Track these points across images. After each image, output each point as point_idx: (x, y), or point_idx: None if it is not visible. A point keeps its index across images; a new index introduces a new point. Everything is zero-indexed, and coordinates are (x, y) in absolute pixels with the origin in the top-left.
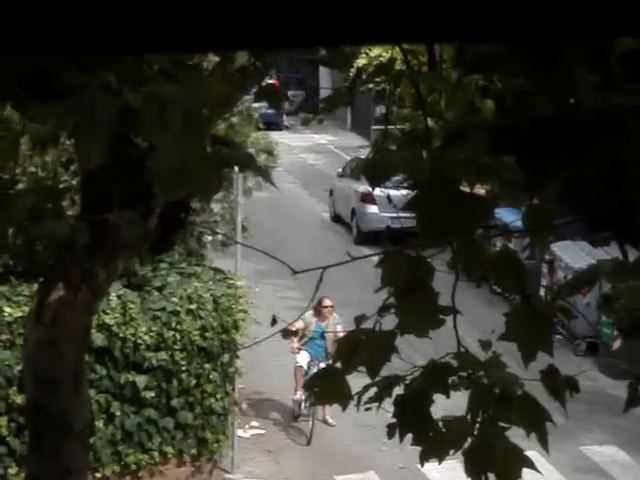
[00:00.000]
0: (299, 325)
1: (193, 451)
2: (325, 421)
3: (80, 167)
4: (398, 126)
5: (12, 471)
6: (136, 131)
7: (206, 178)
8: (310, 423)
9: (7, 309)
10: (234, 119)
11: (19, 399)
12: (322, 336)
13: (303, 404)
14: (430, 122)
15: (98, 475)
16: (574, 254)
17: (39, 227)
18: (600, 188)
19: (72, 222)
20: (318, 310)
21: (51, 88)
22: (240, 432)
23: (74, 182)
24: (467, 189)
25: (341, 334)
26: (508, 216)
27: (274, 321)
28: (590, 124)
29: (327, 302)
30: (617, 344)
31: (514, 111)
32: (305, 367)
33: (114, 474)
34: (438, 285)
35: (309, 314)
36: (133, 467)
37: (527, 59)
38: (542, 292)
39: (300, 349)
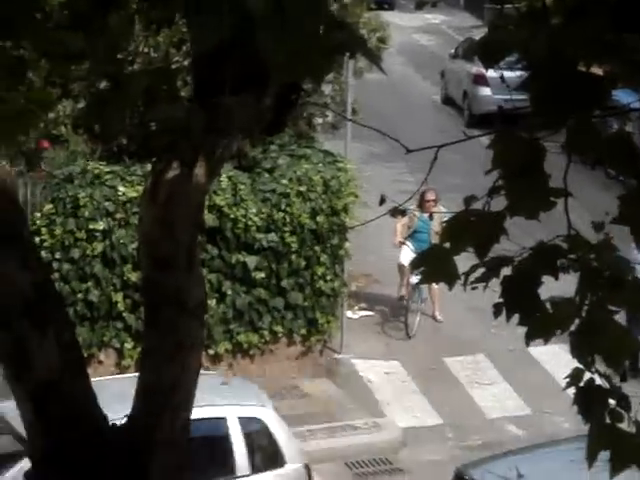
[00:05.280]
0: (404, 220)
1: (303, 331)
2: (434, 317)
3: (193, 49)
4: (514, 4)
5: (128, 346)
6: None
7: (319, 63)
8: (416, 317)
9: (121, 188)
10: None
11: (134, 277)
12: (427, 230)
13: (410, 300)
14: None
15: (211, 352)
16: None
17: (154, 109)
18: None
19: (187, 104)
20: (421, 203)
21: None
22: (349, 313)
23: (186, 63)
24: (584, 69)
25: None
26: (626, 97)
27: (382, 201)
28: None
29: (430, 195)
30: None
31: None
32: (407, 265)
33: (226, 352)
34: (551, 168)
35: (413, 207)
36: (245, 346)
37: None
38: None
39: (403, 242)
